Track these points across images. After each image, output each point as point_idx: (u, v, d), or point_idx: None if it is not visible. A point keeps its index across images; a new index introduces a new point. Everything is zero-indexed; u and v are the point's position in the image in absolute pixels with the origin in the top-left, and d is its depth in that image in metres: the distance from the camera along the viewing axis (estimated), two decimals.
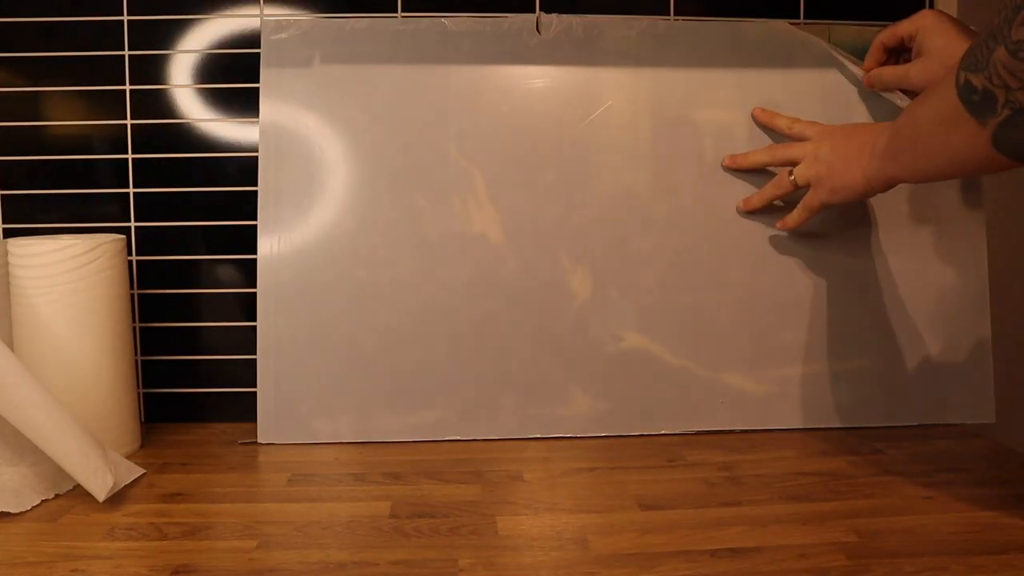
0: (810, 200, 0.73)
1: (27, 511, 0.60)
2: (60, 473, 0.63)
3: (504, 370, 0.77)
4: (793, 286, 0.79)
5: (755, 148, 0.78)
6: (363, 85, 0.78)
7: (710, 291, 0.79)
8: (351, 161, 0.77)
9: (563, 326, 0.78)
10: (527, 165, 0.78)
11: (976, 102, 0.50)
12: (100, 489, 0.61)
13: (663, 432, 0.77)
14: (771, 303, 0.79)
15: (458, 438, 0.76)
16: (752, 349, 0.79)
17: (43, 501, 0.62)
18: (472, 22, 0.78)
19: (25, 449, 0.64)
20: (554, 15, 0.78)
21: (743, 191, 0.78)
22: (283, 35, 0.77)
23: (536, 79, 0.78)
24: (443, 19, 0.78)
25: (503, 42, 0.78)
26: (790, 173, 0.73)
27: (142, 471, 0.68)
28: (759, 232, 0.79)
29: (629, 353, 0.78)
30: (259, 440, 0.75)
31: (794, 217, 0.75)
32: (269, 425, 0.76)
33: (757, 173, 0.78)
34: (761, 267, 0.79)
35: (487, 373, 0.77)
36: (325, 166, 0.77)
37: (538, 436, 0.77)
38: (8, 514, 0.60)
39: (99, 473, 0.61)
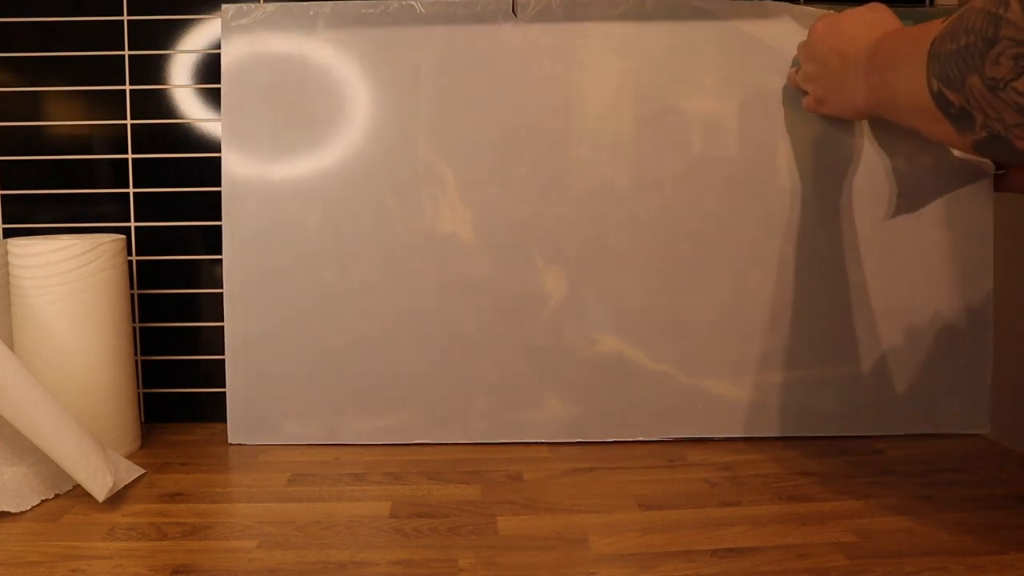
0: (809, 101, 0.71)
1: (27, 511, 0.60)
2: (60, 473, 0.63)
3: (475, 373, 0.75)
4: (780, 289, 0.76)
5: (745, 139, 0.75)
6: (328, 74, 0.75)
7: (692, 293, 0.76)
8: (317, 154, 0.75)
9: (536, 328, 0.75)
10: (500, 159, 0.75)
11: (954, 114, 0.49)
12: (100, 489, 0.60)
13: (639, 439, 0.76)
14: (757, 306, 0.76)
15: (428, 442, 0.75)
16: (735, 354, 0.76)
17: (43, 501, 0.62)
18: (444, 5, 0.74)
19: (25, 449, 0.64)
20: None
21: (731, 187, 0.75)
22: (244, 21, 0.75)
23: (511, 67, 0.75)
24: (412, 2, 0.74)
25: (476, 27, 0.74)
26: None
27: (142, 471, 0.68)
28: (746, 231, 0.75)
29: (604, 357, 0.76)
30: (229, 441, 0.76)
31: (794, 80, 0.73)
32: (239, 426, 0.76)
33: (751, 170, 0.75)
34: (747, 268, 0.76)
35: (458, 376, 0.75)
36: (291, 160, 0.75)
37: (509, 441, 0.75)
38: (8, 514, 0.60)
39: (99, 473, 0.61)
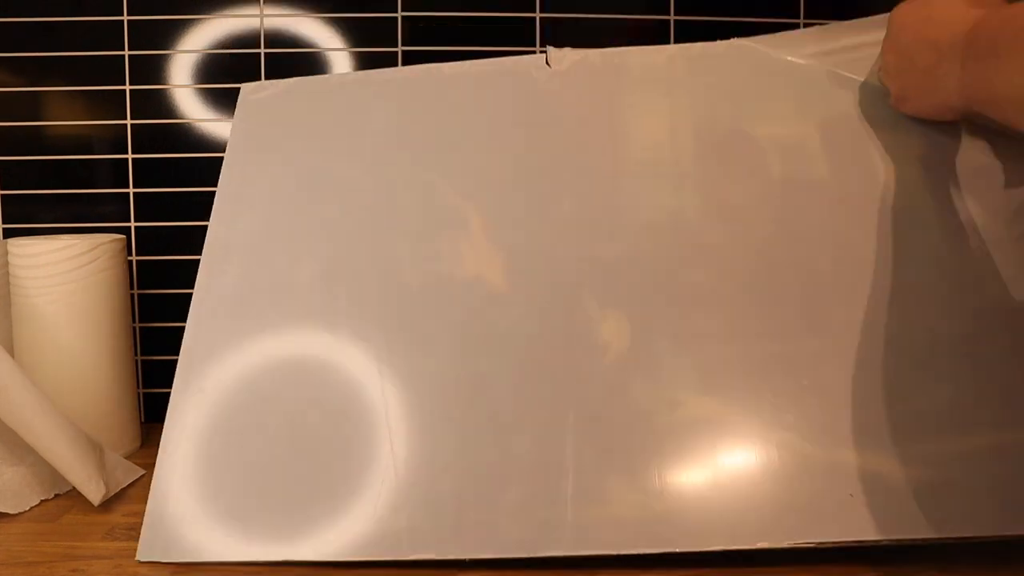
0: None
1: (27, 511, 0.60)
2: (60, 473, 0.63)
3: (506, 453, 0.54)
4: (943, 320, 0.55)
5: (835, 159, 0.62)
6: (349, 135, 0.66)
7: (804, 335, 0.56)
8: (317, 205, 0.64)
9: (592, 389, 0.56)
10: (535, 198, 0.63)
11: None
12: (94, 495, 0.60)
13: (760, 547, 0.51)
14: (905, 345, 0.55)
15: (434, 558, 0.52)
16: (885, 414, 0.54)
17: (43, 501, 0.62)
18: (472, 65, 0.67)
19: (25, 449, 0.64)
20: (566, 48, 0.66)
21: (829, 207, 0.60)
22: (262, 95, 0.69)
23: (545, 108, 0.66)
24: (441, 65, 0.68)
25: (508, 79, 0.66)
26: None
27: (142, 471, 0.68)
28: (866, 250, 0.58)
29: (691, 424, 0.54)
30: (137, 558, 0.53)
31: None
32: (151, 542, 0.54)
33: (848, 189, 0.60)
34: (878, 297, 0.57)
35: (483, 458, 0.54)
36: (284, 216, 0.64)
37: (556, 555, 0.51)
38: (8, 514, 0.60)
39: (92, 480, 0.60)
